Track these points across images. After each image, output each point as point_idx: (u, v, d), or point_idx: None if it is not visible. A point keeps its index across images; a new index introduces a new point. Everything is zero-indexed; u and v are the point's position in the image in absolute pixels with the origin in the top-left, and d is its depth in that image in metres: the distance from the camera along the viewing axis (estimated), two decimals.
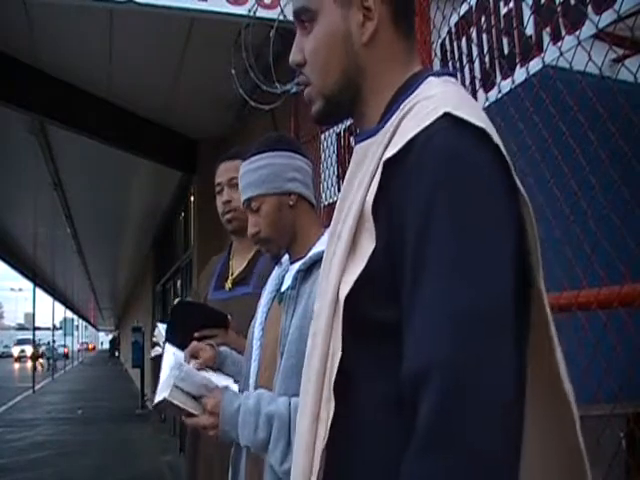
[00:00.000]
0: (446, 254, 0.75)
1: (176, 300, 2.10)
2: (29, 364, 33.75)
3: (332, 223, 0.94)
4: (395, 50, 0.94)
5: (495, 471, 0.70)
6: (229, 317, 1.79)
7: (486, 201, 0.77)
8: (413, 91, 0.89)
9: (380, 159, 0.84)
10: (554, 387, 0.83)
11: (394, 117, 0.87)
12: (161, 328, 2.08)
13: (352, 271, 0.83)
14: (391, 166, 0.82)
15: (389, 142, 0.85)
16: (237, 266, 2.26)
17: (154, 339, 2.14)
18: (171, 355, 1.73)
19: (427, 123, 0.80)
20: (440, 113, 0.80)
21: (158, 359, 2.05)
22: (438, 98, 0.84)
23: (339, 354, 0.82)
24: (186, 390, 1.51)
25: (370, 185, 0.84)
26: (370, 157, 0.87)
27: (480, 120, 0.80)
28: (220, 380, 1.63)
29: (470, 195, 0.77)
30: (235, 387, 1.63)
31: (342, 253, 0.85)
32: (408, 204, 0.79)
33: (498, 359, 0.73)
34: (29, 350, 42.32)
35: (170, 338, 1.87)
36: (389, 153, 0.82)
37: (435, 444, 0.71)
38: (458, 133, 0.79)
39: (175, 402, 1.50)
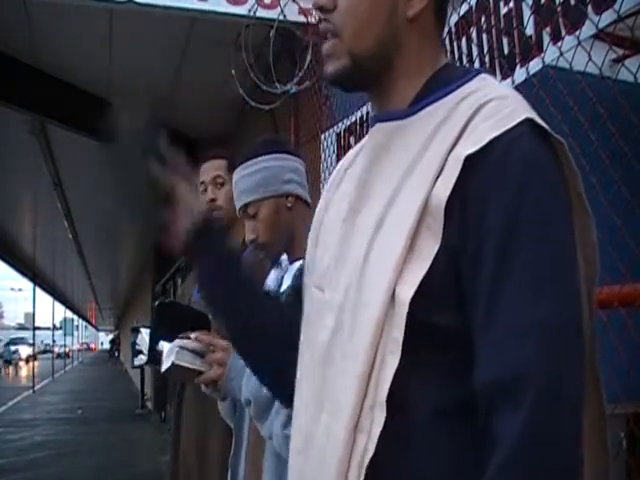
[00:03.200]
0: (533, 265, 0.74)
1: (157, 301, 2.08)
2: (23, 371, 32.67)
3: (346, 208, 0.88)
4: (432, 37, 0.91)
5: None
6: (210, 317, 1.81)
7: (567, 216, 0.78)
8: (461, 85, 0.85)
9: (448, 152, 0.79)
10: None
11: (444, 106, 0.83)
12: (144, 334, 2.07)
13: (414, 271, 0.77)
14: (469, 163, 0.77)
15: (459, 136, 0.79)
16: None
17: (137, 347, 2.13)
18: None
19: (510, 125, 0.77)
20: (522, 117, 0.78)
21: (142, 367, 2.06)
22: (514, 100, 0.82)
23: (396, 361, 0.76)
24: (191, 348, 1.52)
25: (436, 179, 0.78)
26: (416, 144, 0.82)
27: (550, 129, 0.80)
28: None
29: (555, 208, 0.77)
30: None
31: (399, 247, 0.78)
32: (488, 208, 0.75)
33: (580, 375, 0.73)
34: (24, 351, 40.47)
35: (155, 340, 1.88)
36: (468, 150, 0.77)
37: (522, 459, 0.70)
38: (541, 143, 0.78)
39: (183, 364, 1.51)
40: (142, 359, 2.00)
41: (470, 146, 0.77)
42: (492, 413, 0.71)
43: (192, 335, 1.54)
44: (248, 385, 1.44)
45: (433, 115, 0.83)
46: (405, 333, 0.76)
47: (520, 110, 0.79)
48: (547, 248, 0.74)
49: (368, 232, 0.82)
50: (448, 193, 0.76)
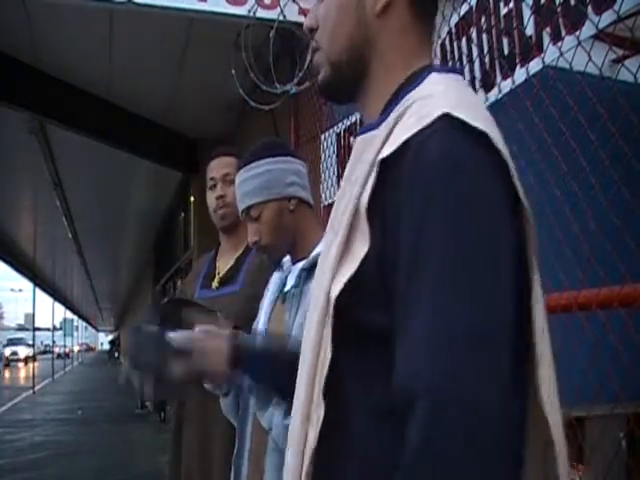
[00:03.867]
0: (442, 271, 0.71)
1: (165, 298, 2.07)
2: (22, 373, 31.64)
3: (330, 219, 0.90)
4: (407, 31, 0.90)
5: None
6: (218, 314, 1.80)
7: (484, 215, 0.73)
8: (416, 86, 0.84)
9: (376, 157, 0.79)
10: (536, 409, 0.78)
11: (394, 112, 0.82)
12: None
13: (344, 272, 0.79)
14: (387, 166, 0.77)
15: (386, 140, 0.80)
16: (224, 265, 2.25)
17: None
18: None
19: (424, 124, 0.75)
20: (439, 113, 0.75)
21: None
22: (438, 96, 0.79)
23: (329, 357, 0.79)
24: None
25: (365, 183, 0.80)
26: (368, 152, 0.82)
27: (482, 122, 0.75)
28: None
29: (467, 208, 0.72)
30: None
31: (336, 252, 0.81)
32: (402, 211, 0.75)
33: (491, 383, 0.69)
34: (23, 352, 39.58)
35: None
36: (385, 152, 0.78)
37: (419, 466, 0.68)
38: (456, 137, 0.74)
39: None
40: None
41: (387, 150, 0.78)
42: (405, 415, 0.70)
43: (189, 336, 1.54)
44: None
45: (387, 124, 0.82)
46: (341, 332, 0.79)
47: (438, 107, 0.76)
48: (458, 254, 0.71)
49: (332, 239, 0.85)
50: (367, 198, 0.78)
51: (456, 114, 0.75)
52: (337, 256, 0.81)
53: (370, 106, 0.91)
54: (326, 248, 0.88)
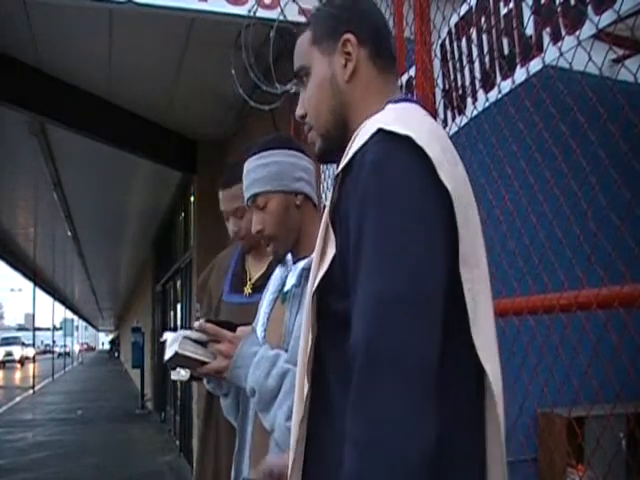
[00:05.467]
0: (373, 250, 0.90)
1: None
2: (18, 374, 30.00)
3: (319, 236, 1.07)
4: (374, 83, 1.12)
5: (401, 434, 0.83)
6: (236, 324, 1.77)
7: (408, 201, 0.91)
8: (372, 116, 1.03)
9: (334, 175, 1.02)
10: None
11: (351, 139, 1.03)
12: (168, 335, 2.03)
13: (320, 271, 1.00)
14: (341, 180, 0.99)
15: (341, 161, 1.01)
16: (255, 270, 2.18)
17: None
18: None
19: (364, 139, 0.96)
20: (375, 129, 0.95)
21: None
22: (377, 119, 0.99)
23: (311, 342, 1.01)
24: (194, 337, 1.52)
25: (331, 199, 1.01)
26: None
27: (411, 130, 0.93)
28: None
29: (392, 196, 0.91)
30: (259, 332, 1.60)
31: (316, 256, 1.02)
32: (349, 213, 0.95)
33: (412, 336, 0.86)
34: (18, 352, 37.25)
35: None
36: (338, 169, 1.00)
37: (355, 411, 0.86)
38: (386, 144, 0.93)
39: (187, 353, 1.51)
40: (183, 375, 1.87)
41: (340, 166, 1.00)
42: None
43: (196, 324, 1.54)
44: (254, 375, 1.44)
45: (346, 149, 1.03)
46: (319, 319, 1.02)
47: (376, 124, 0.96)
48: (386, 235, 0.89)
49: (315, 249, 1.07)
50: (329, 209, 1.00)
51: (388, 128, 0.94)
52: (317, 261, 1.02)
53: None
54: (314, 261, 1.06)
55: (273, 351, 1.47)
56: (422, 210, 0.91)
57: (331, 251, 0.98)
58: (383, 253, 0.89)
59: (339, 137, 1.11)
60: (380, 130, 0.94)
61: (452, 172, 0.94)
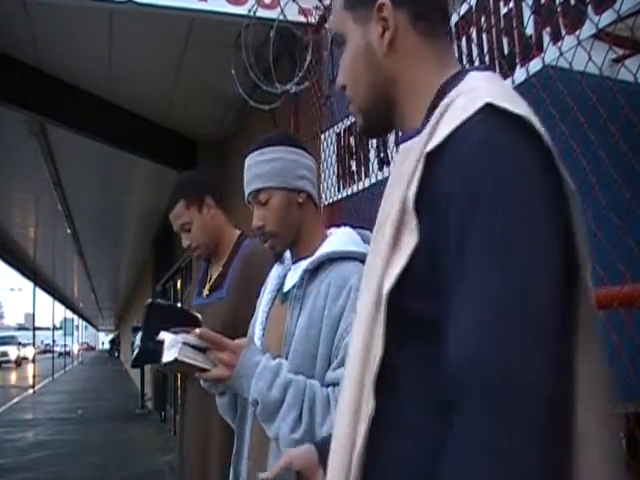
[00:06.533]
0: (484, 251, 0.74)
1: (146, 301, 2.08)
2: (12, 376, 28.76)
3: (377, 222, 0.92)
4: (421, 52, 0.95)
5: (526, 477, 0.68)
6: (199, 317, 1.80)
7: (527, 196, 0.75)
8: (453, 88, 0.88)
9: (420, 154, 0.83)
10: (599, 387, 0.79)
11: (436, 111, 0.86)
12: (137, 337, 2.09)
13: (395, 265, 0.81)
14: (433, 160, 0.80)
15: (430, 137, 0.83)
16: (214, 272, 2.31)
17: (134, 348, 2.16)
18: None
19: (468, 115, 0.79)
20: (481, 104, 0.79)
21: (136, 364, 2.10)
22: (480, 89, 0.83)
23: (379, 350, 0.81)
24: (193, 343, 1.51)
25: (412, 180, 0.82)
26: (410, 156, 0.86)
27: (523, 109, 0.79)
28: None
29: (510, 190, 0.75)
30: (258, 342, 1.60)
31: (386, 249, 0.83)
32: (450, 199, 0.77)
33: (539, 357, 0.70)
34: (14, 352, 35.82)
35: (147, 339, 1.89)
36: (430, 146, 0.81)
37: (469, 445, 0.70)
38: (499, 124, 0.77)
39: (186, 360, 1.50)
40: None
41: (432, 143, 0.81)
42: (457, 400, 0.72)
43: (197, 331, 1.53)
44: (256, 386, 1.43)
45: (428, 125, 0.86)
46: (392, 324, 0.81)
47: (480, 98, 0.79)
48: (501, 234, 0.74)
49: (380, 240, 0.87)
50: (414, 192, 0.81)
51: (497, 103, 0.78)
52: (386, 254, 0.83)
53: (408, 124, 0.95)
54: (372, 254, 0.90)
55: (275, 361, 1.46)
56: (543, 213, 0.76)
57: (411, 241, 0.80)
58: (499, 256, 0.73)
59: (383, 113, 0.98)
60: (488, 105, 0.78)
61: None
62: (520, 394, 0.69)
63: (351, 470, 0.82)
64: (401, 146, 0.95)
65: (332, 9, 1.06)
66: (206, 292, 2.28)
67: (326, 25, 3.19)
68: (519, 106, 0.79)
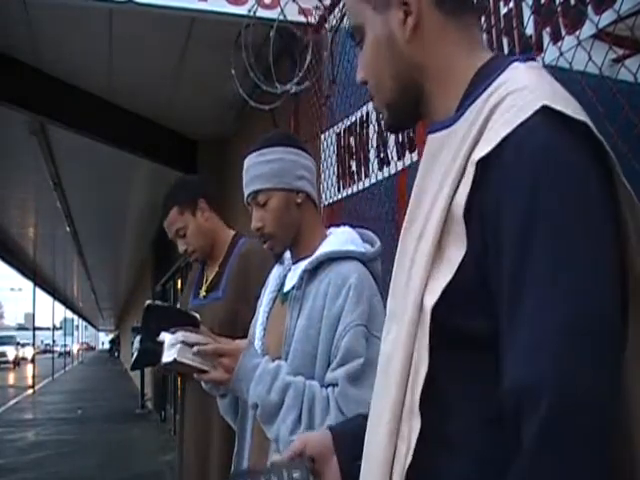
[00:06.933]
0: (547, 267, 0.70)
1: (146, 302, 2.08)
2: (11, 376, 28.18)
3: (407, 218, 0.86)
4: (449, 34, 0.88)
5: None
6: (198, 317, 1.82)
7: (588, 209, 0.72)
8: (496, 78, 0.81)
9: (468, 156, 0.77)
10: None
11: (477, 106, 0.80)
12: (137, 339, 2.10)
13: (439, 278, 0.77)
14: (484, 165, 0.75)
15: (478, 137, 0.77)
16: (210, 273, 2.32)
17: (132, 351, 2.17)
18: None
19: (523, 118, 0.73)
20: (537, 107, 0.73)
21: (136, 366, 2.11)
22: (532, 89, 0.77)
23: (425, 367, 0.76)
24: (192, 341, 1.53)
25: (459, 184, 0.77)
26: (452, 150, 0.80)
27: (580, 112, 0.74)
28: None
29: (571, 203, 0.71)
30: (259, 343, 1.60)
31: (427, 256, 0.78)
32: (504, 211, 0.73)
33: (606, 375, 0.69)
34: (11, 353, 34.81)
35: (146, 341, 1.89)
36: (481, 152, 0.75)
37: (539, 465, 0.68)
38: (558, 130, 0.73)
39: (185, 361, 1.51)
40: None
41: (484, 148, 0.75)
42: (519, 419, 0.69)
43: (194, 349, 1.54)
44: (255, 390, 1.44)
45: (467, 118, 0.80)
46: (437, 340, 0.76)
47: (536, 99, 0.74)
48: (563, 249, 0.70)
49: (413, 244, 0.82)
50: (465, 200, 0.76)
51: (555, 107, 0.73)
52: (427, 264, 0.78)
53: (439, 113, 0.89)
54: (408, 249, 0.84)
55: (274, 363, 1.47)
56: (602, 224, 0.72)
57: (458, 253, 0.75)
58: (562, 273, 0.70)
59: (410, 104, 0.91)
60: (545, 108, 0.73)
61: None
62: (588, 416, 0.67)
63: None
64: (431, 136, 0.87)
65: (346, 1, 1.00)
66: (203, 293, 2.29)
67: (326, 25, 3.19)
68: (576, 109, 0.75)
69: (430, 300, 0.76)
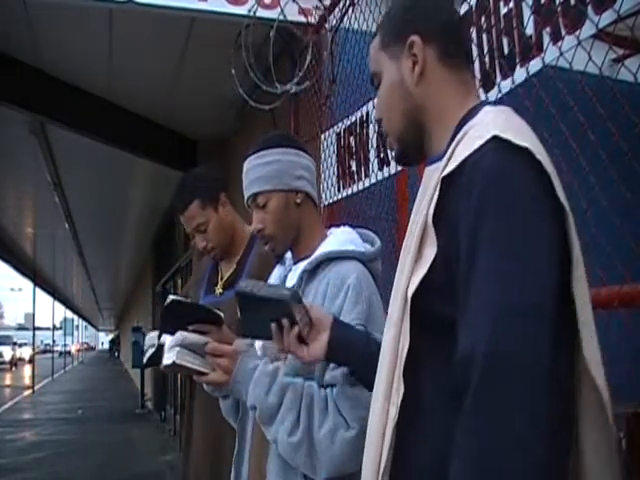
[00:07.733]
0: (490, 260, 0.87)
1: (169, 298, 2.01)
2: (8, 377, 27.30)
3: (404, 243, 1.06)
4: (447, 84, 1.09)
5: (523, 449, 0.80)
6: (222, 315, 1.80)
7: (527, 214, 0.89)
8: (472, 118, 1.02)
9: (440, 176, 0.97)
10: (584, 382, 0.90)
11: (453, 142, 0.99)
12: (151, 336, 2.06)
13: (418, 272, 0.97)
14: (448, 184, 0.95)
15: (447, 163, 0.97)
16: (226, 270, 2.26)
17: (145, 348, 2.11)
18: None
19: (477, 145, 0.92)
20: (489, 136, 0.92)
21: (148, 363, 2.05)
22: (488, 123, 0.96)
23: (407, 345, 0.96)
24: (192, 342, 1.53)
25: (431, 201, 0.98)
26: (434, 178, 1.00)
27: (525, 140, 0.91)
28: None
29: (513, 209, 0.89)
30: (258, 345, 1.59)
31: (410, 260, 0.99)
32: (461, 216, 0.91)
33: (533, 346, 0.82)
34: (8, 353, 33.65)
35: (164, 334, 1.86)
36: (445, 172, 0.96)
37: (475, 424, 0.83)
38: (504, 154, 0.91)
39: (184, 364, 1.52)
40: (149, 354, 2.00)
41: (448, 167, 0.96)
42: (464, 383, 0.84)
43: (201, 340, 1.54)
44: (254, 392, 1.44)
45: (447, 153, 1.00)
46: (417, 324, 0.96)
47: (489, 131, 0.93)
48: (504, 245, 0.87)
49: (406, 254, 1.03)
50: (432, 211, 0.97)
51: (503, 135, 0.91)
52: (411, 262, 0.99)
53: (435, 145, 1.09)
54: (399, 272, 1.04)
55: (272, 365, 1.47)
56: (541, 226, 0.89)
57: (431, 252, 0.95)
58: (502, 264, 0.87)
59: (415, 140, 1.11)
60: (495, 137, 0.92)
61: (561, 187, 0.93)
62: (521, 372, 0.81)
63: (384, 447, 0.97)
64: (427, 168, 1.08)
65: (370, 52, 1.19)
66: (219, 290, 2.24)
67: (326, 25, 3.20)
68: (522, 137, 0.92)
69: (411, 290, 0.97)
